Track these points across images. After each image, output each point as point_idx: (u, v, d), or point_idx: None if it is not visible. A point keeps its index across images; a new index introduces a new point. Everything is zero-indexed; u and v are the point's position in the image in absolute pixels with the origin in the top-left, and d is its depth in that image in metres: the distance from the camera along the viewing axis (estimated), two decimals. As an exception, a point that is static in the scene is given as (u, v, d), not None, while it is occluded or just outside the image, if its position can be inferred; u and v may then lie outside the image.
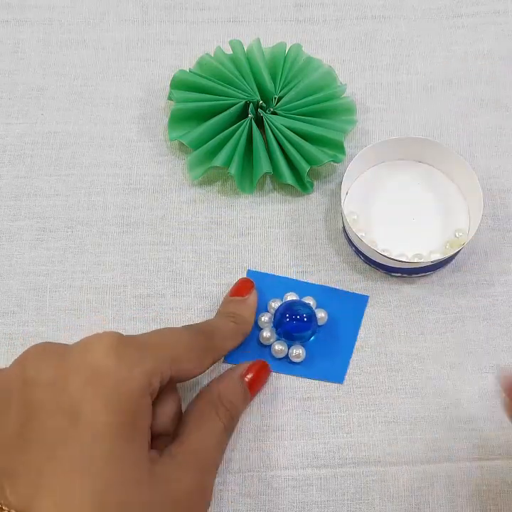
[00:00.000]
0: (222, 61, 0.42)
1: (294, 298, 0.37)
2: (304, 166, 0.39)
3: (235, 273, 0.38)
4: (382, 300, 0.38)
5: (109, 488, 0.25)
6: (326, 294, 0.38)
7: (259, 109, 0.40)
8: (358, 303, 0.38)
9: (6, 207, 0.40)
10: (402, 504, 0.34)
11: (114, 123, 0.43)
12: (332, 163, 0.40)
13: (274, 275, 0.38)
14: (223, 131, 0.39)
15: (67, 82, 0.44)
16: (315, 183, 0.41)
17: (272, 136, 0.39)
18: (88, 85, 0.44)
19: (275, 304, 0.37)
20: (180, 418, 0.31)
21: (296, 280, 0.38)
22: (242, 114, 0.41)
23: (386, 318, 0.38)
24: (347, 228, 0.38)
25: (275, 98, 0.41)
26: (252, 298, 0.36)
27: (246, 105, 0.40)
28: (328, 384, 0.36)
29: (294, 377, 0.36)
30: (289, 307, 0.35)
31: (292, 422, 0.35)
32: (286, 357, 0.36)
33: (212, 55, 0.43)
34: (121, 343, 0.28)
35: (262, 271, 0.38)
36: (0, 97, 0.43)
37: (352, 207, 0.40)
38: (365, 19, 0.46)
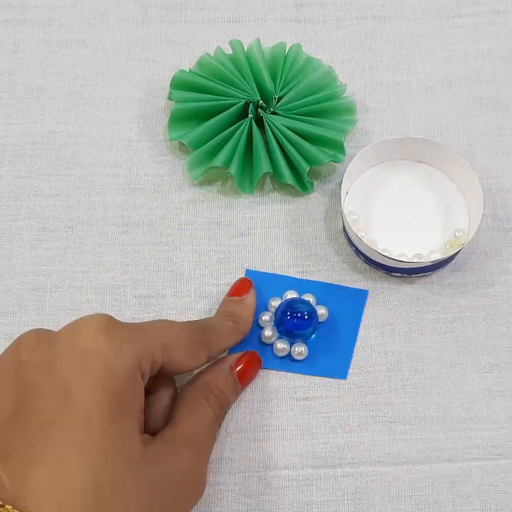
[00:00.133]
0: (222, 61, 0.42)
1: (294, 296, 0.37)
2: (304, 166, 0.39)
3: (235, 273, 0.38)
4: (382, 300, 0.38)
5: (102, 466, 0.25)
6: (326, 291, 0.38)
7: (259, 109, 0.40)
8: (357, 298, 0.38)
9: (6, 207, 0.40)
10: (402, 504, 0.34)
11: (114, 123, 0.43)
12: (332, 163, 0.40)
13: (273, 274, 0.38)
14: (223, 131, 0.39)
15: (67, 82, 0.44)
16: (315, 183, 0.41)
17: (271, 136, 0.39)
18: (88, 85, 0.44)
19: (275, 303, 0.37)
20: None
21: (295, 278, 0.38)
22: (242, 114, 0.41)
23: (386, 318, 0.38)
24: (347, 228, 0.38)
25: (275, 98, 0.41)
26: (250, 297, 0.36)
27: (246, 105, 0.40)
28: (328, 384, 0.36)
29: (294, 377, 0.36)
30: (289, 305, 0.36)
31: (292, 422, 0.35)
32: (289, 355, 0.36)
33: (212, 55, 0.43)
34: (110, 324, 0.28)
35: (262, 271, 0.38)
36: (0, 97, 0.43)
37: (352, 207, 0.40)
38: (365, 19, 0.46)
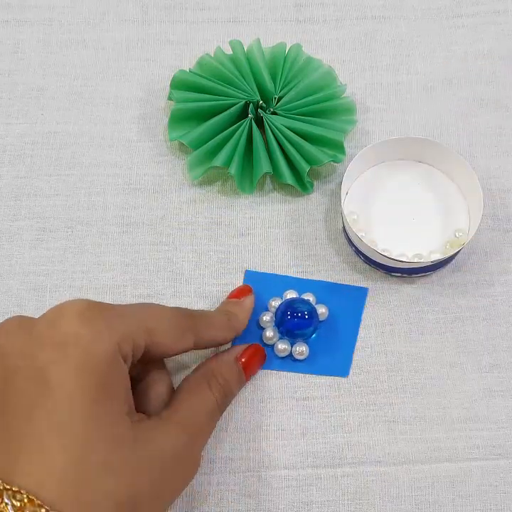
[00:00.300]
0: (222, 61, 0.42)
1: (294, 295, 0.37)
2: (304, 166, 0.39)
3: (235, 273, 0.38)
4: (382, 300, 0.38)
5: (88, 447, 0.25)
6: (325, 289, 0.38)
7: (259, 109, 0.40)
8: (357, 295, 0.38)
9: (6, 207, 0.40)
10: (402, 504, 0.34)
11: (114, 123, 0.43)
12: (332, 163, 0.40)
13: (272, 274, 0.38)
14: (223, 131, 0.39)
15: (67, 82, 0.44)
16: (315, 183, 0.41)
17: (271, 136, 0.39)
18: (88, 85, 0.44)
19: (275, 303, 0.37)
20: (167, 394, 0.32)
21: (295, 277, 0.38)
22: (242, 114, 0.41)
23: (386, 318, 0.38)
24: (347, 228, 0.38)
25: (275, 98, 0.41)
26: (248, 301, 0.36)
27: (246, 105, 0.40)
28: (328, 384, 0.36)
29: (294, 377, 0.36)
30: (289, 305, 0.36)
31: (292, 422, 0.35)
32: (290, 355, 0.36)
33: (212, 55, 0.43)
34: (89, 308, 0.28)
35: (262, 271, 0.38)
36: (0, 97, 0.43)
37: (352, 207, 0.40)
38: (365, 19, 0.46)
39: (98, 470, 0.25)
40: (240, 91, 0.41)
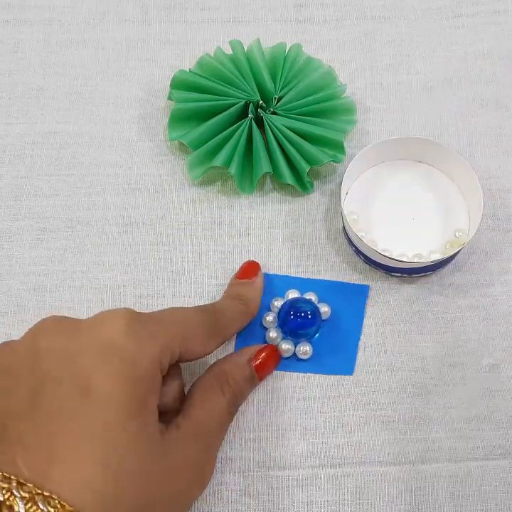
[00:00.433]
0: (222, 61, 0.42)
1: (296, 295, 0.37)
2: (304, 166, 0.39)
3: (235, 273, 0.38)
4: (382, 300, 0.38)
5: (121, 458, 0.25)
6: (327, 288, 0.38)
7: (259, 109, 0.40)
8: (359, 293, 0.38)
9: (6, 207, 0.40)
10: (402, 504, 0.34)
11: (114, 123, 0.43)
12: (332, 163, 0.40)
13: (273, 274, 0.38)
14: (223, 131, 0.39)
15: (67, 82, 0.44)
16: (315, 183, 0.41)
17: (271, 136, 0.39)
18: (88, 85, 0.44)
19: (278, 303, 0.37)
20: (183, 397, 0.32)
21: (296, 277, 0.38)
22: (242, 114, 0.41)
23: (386, 318, 0.38)
24: (347, 228, 0.38)
25: (275, 98, 0.41)
26: (259, 280, 0.37)
27: (246, 105, 0.40)
28: (328, 384, 0.36)
29: (294, 376, 0.36)
30: (292, 305, 0.36)
31: (292, 422, 0.35)
32: (294, 355, 0.36)
33: (212, 55, 0.43)
34: (134, 319, 0.28)
35: (262, 271, 0.38)
36: (0, 97, 0.43)
37: (352, 207, 0.40)
38: (365, 19, 0.46)
39: (130, 480, 0.25)
40: (239, 91, 0.41)
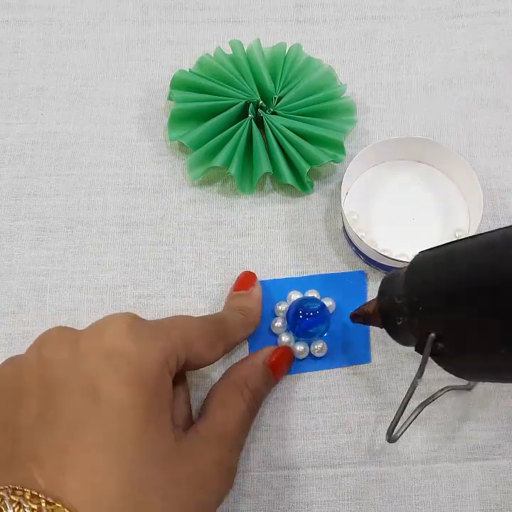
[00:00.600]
0: (222, 61, 0.42)
1: (298, 296, 0.37)
2: (304, 166, 0.39)
3: (235, 273, 0.38)
4: (382, 300, 0.38)
5: (135, 464, 0.25)
6: (326, 282, 0.38)
7: (259, 109, 0.40)
8: (357, 280, 0.38)
9: (6, 207, 0.40)
10: (402, 504, 0.34)
11: (114, 123, 0.43)
12: (332, 163, 0.40)
13: (270, 281, 0.38)
14: (223, 131, 0.39)
15: (67, 82, 0.44)
16: (315, 183, 0.41)
17: (271, 136, 0.39)
18: (88, 85, 0.44)
19: (282, 307, 0.37)
20: (189, 407, 0.32)
21: (294, 278, 0.38)
22: (242, 114, 0.41)
23: (386, 318, 0.38)
24: (347, 228, 0.38)
25: (275, 98, 0.41)
26: (256, 290, 0.37)
27: (246, 105, 0.40)
28: (328, 384, 0.36)
29: (295, 377, 0.36)
30: (299, 306, 0.36)
31: (292, 422, 0.35)
32: (310, 354, 0.36)
33: (212, 55, 0.43)
34: (136, 322, 0.28)
35: (262, 271, 0.38)
36: (0, 97, 0.43)
37: (352, 207, 0.40)
38: (365, 19, 0.46)
39: (145, 489, 0.25)
40: (239, 91, 0.41)
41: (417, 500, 0.34)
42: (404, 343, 0.31)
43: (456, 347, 0.27)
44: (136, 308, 0.38)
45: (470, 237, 0.28)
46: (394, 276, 0.30)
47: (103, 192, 0.41)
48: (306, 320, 0.35)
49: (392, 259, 0.36)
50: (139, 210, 0.40)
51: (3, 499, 0.23)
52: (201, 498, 0.27)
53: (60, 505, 0.23)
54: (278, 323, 0.37)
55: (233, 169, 0.38)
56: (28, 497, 0.23)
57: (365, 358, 0.36)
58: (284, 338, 0.36)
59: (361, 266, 0.39)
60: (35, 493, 0.23)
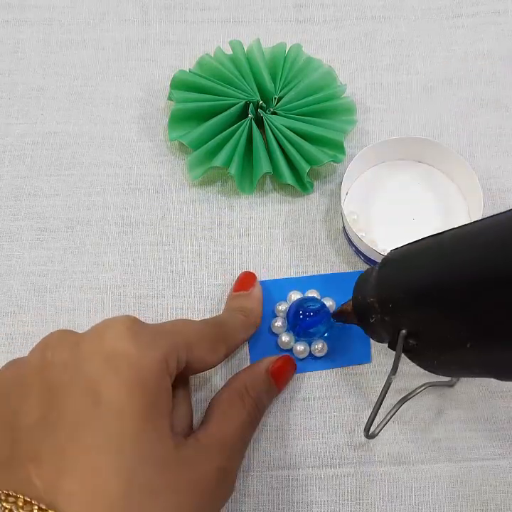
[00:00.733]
0: (222, 61, 0.42)
1: (299, 296, 0.37)
2: (304, 166, 0.39)
3: (235, 273, 0.38)
4: (382, 300, 0.38)
5: (134, 467, 0.25)
6: (325, 283, 0.38)
7: (259, 109, 0.40)
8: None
9: (6, 207, 0.40)
10: (402, 504, 0.34)
11: (114, 123, 0.43)
12: (332, 163, 0.40)
13: (270, 281, 0.38)
14: (223, 131, 0.39)
15: (67, 82, 0.44)
16: (315, 183, 0.41)
17: (271, 136, 0.39)
18: (88, 85, 0.44)
19: (282, 307, 0.37)
20: (191, 414, 0.32)
21: (294, 277, 0.38)
22: (242, 114, 0.41)
23: (386, 318, 0.38)
24: (347, 228, 0.38)
25: (275, 98, 0.41)
26: (256, 290, 0.37)
27: (246, 105, 0.40)
28: (328, 384, 0.36)
29: (295, 377, 0.36)
30: (299, 306, 0.36)
31: (292, 422, 0.35)
32: (310, 354, 0.36)
33: (212, 55, 0.43)
34: (136, 325, 0.28)
35: (262, 271, 0.38)
36: (0, 97, 0.43)
37: (352, 207, 0.40)
38: (365, 19, 0.46)
39: (143, 493, 0.25)
40: (239, 91, 0.41)
41: (417, 500, 0.34)
42: (380, 340, 0.31)
43: (426, 343, 0.27)
44: (136, 309, 0.38)
45: (436, 234, 0.28)
46: (367, 275, 0.31)
47: (103, 192, 0.41)
48: (306, 320, 0.35)
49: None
50: (139, 210, 0.40)
51: None
52: (200, 506, 0.27)
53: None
54: (278, 323, 0.37)
55: (233, 169, 0.38)
56: (20, 503, 0.23)
57: (365, 358, 0.36)
58: (285, 338, 0.36)
59: (361, 266, 0.39)
60: (28, 500, 0.23)
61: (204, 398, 0.35)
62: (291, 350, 0.36)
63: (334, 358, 0.36)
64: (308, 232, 0.40)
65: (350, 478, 0.34)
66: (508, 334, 0.23)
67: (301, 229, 0.40)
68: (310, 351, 0.36)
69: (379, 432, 0.31)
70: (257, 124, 0.40)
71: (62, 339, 0.28)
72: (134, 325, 0.28)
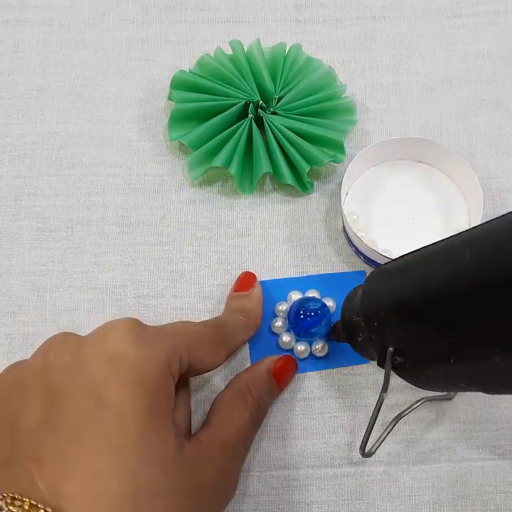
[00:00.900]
0: (222, 61, 0.42)
1: (299, 296, 0.37)
2: (304, 166, 0.39)
3: (235, 273, 0.38)
4: (382, 300, 0.38)
5: (136, 468, 0.25)
6: (325, 283, 0.38)
7: (259, 109, 0.40)
8: (357, 280, 0.38)
9: (6, 207, 0.40)
10: (402, 504, 0.34)
11: (114, 123, 0.43)
12: (332, 163, 0.40)
13: (270, 281, 0.38)
14: (223, 131, 0.39)
15: (67, 82, 0.44)
16: (315, 183, 0.41)
17: (271, 136, 0.39)
18: (88, 85, 0.44)
19: (282, 307, 0.37)
20: (189, 415, 0.32)
21: (294, 277, 0.38)
22: (242, 114, 0.41)
23: (386, 318, 0.38)
24: (347, 228, 0.38)
25: (275, 98, 0.41)
26: (256, 290, 0.37)
27: (246, 105, 0.40)
28: (328, 384, 0.36)
29: (295, 377, 0.36)
30: (300, 306, 0.36)
31: (292, 422, 0.35)
32: (311, 354, 0.36)
33: (212, 55, 0.43)
34: (137, 327, 0.28)
35: (262, 271, 0.38)
36: (0, 97, 0.43)
37: (352, 207, 0.40)
38: (365, 19, 0.46)
39: (147, 494, 0.25)
40: (239, 91, 0.41)
41: (417, 500, 0.34)
42: (370, 357, 0.32)
43: (412, 360, 0.28)
44: (136, 309, 0.38)
45: (415, 250, 0.29)
46: (354, 293, 0.31)
47: (103, 192, 0.41)
48: (307, 320, 0.35)
49: (392, 259, 0.36)
50: (139, 210, 0.40)
51: (1, 509, 0.23)
52: (203, 507, 0.27)
53: None
54: (278, 323, 0.37)
55: (233, 169, 0.38)
56: (27, 507, 0.23)
57: None
58: (285, 338, 0.36)
59: (361, 266, 0.39)
60: (34, 503, 0.23)
61: (204, 399, 0.35)
62: (292, 350, 0.36)
63: (335, 358, 0.36)
64: (308, 232, 0.40)
65: (350, 478, 0.34)
66: (488, 344, 0.23)
67: (301, 229, 0.40)
68: (310, 351, 0.36)
69: (375, 450, 0.31)
70: (257, 124, 0.40)
71: (65, 342, 0.28)
72: (135, 327, 0.28)
